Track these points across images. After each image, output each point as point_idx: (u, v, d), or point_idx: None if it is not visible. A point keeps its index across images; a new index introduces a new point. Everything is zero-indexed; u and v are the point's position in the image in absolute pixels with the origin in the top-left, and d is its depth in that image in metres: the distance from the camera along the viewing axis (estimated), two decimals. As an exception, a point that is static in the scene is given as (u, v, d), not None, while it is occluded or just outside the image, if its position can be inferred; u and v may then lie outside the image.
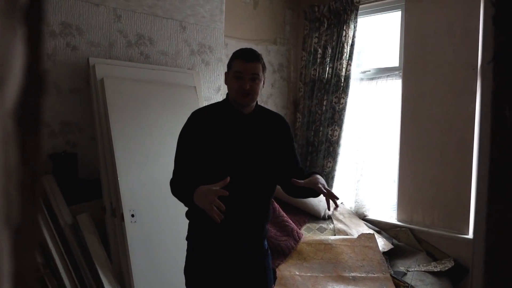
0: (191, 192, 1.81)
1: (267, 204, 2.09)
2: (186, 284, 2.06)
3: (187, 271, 2.06)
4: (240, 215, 1.97)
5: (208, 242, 2.01)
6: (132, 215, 3.08)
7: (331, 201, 1.86)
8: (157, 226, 3.17)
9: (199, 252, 2.03)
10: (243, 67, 1.94)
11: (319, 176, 1.94)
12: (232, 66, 1.98)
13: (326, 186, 1.88)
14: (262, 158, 2.02)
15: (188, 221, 2.11)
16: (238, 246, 2.01)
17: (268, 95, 5.05)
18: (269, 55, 5.03)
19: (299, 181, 1.88)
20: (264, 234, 2.11)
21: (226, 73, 2.05)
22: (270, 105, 5.01)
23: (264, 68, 2.01)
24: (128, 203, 3.09)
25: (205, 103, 4.04)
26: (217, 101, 4.07)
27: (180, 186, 1.94)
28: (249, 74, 1.93)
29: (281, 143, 2.12)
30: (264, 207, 2.08)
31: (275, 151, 2.07)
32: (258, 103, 2.14)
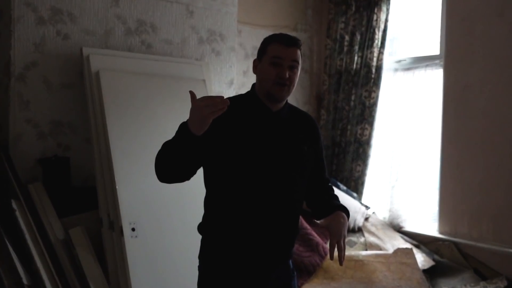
0: (183, 131, 1.69)
1: (298, 217, 2.03)
2: None
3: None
4: (268, 230, 1.89)
5: (227, 262, 1.90)
6: (133, 229, 3.04)
7: (335, 251, 1.84)
8: (161, 241, 3.12)
9: (216, 274, 1.93)
10: (283, 52, 1.85)
11: (341, 220, 1.90)
12: (268, 52, 1.88)
13: (343, 234, 1.86)
14: (294, 164, 1.94)
15: (200, 236, 2.00)
16: (264, 267, 1.92)
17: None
18: (289, 43, 4.93)
19: (320, 221, 1.92)
20: (292, 252, 2.04)
21: (256, 60, 1.96)
22: (290, 101, 4.82)
23: (301, 55, 1.94)
24: (128, 215, 3.05)
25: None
26: (230, 96, 4.05)
27: (169, 142, 1.78)
28: (289, 61, 1.86)
29: (312, 148, 2.04)
30: (295, 220, 2.00)
31: (307, 157, 2.00)
32: None
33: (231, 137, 1.85)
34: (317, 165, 2.09)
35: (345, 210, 1.97)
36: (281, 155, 1.91)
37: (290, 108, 2.04)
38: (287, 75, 1.84)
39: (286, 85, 1.85)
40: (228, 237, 1.85)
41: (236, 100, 1.94)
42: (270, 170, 1.88)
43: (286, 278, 2.02)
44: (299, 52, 1.89)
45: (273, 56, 1.85)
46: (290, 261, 2.06)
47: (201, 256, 1.99)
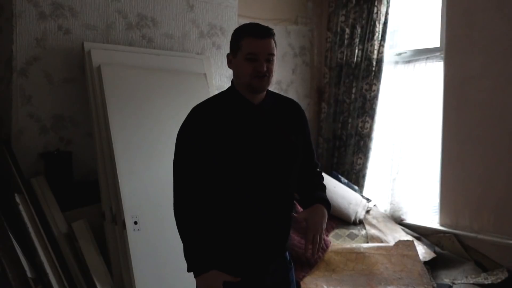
0: (201, 262, 1.82)
1: (292, 208, 2.01)
2: None
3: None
4: (263, 224, 1.89)
5: (225, 257, 1.89)
6: (135, 222, 3.05)
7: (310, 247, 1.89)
8: (164, 234, 3.12)
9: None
10: (258, 47, 1.82)
11: (320, 213, 1.92)
12: (242, 47, 1.84)
13: (320, 228, 1.88)
14: (283, 156, 1.92)
15: None
16: (262, 260, 1.93)
17: (289, 83, 4.97)
18: (289, 36, 4.95)
19: (298, 215, 1.93)
20: (288, 244, 2.03)
21: (229, 55, 1.92)
22: (291, 94, 4.93)
23: (276, 45, 1.89)
24: (130, 208, 3.06)
25: (217, 92, 3.98)
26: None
27: (193, 233, 1.86)
28: (265, 54, 1.82)
29: (300, 136, 2.01)
30: (289, 211, 1.99)
31: (296, 148, 1.97)
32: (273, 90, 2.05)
33: (220, 137, 1.83)
34: (305, 151, 2.05)
35: (327, 204, 1.97)
36: (269, 149, 1.88)
37: (273, 96, 2.01)
38: (265, 68, 1.82)
39: (265, 76, 1.83)
40: (224, 233, 1.86)
41: (218, 99, 1.95)
42: (260, 164, 1.86)
43: (284, 270, 2.02)
44: (273, 42, 1.85)
45: (248, 53, 1.82)
46: (287, 253, 2.05)
47: None
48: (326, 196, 2.03)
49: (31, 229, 2.89)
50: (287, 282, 2.03)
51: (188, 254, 1.87)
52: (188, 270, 1.87)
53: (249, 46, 1.82)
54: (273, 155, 1.88)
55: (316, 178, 2.12)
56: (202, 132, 1.82)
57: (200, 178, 1.85)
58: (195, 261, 1.83)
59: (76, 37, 3.40)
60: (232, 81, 1.97)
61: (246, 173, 1.84)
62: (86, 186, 3.33)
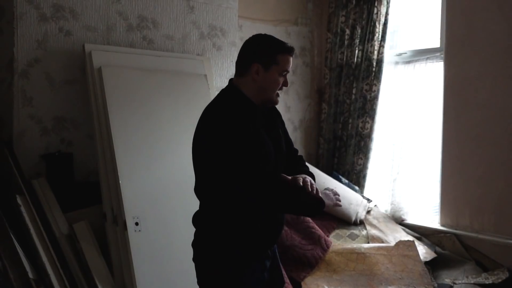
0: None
1: None
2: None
3: (206, 277, 2.05)
4: (272, 214, 2.07)
5: (236, 248, 2.00)
6: (136, 223, 3.05)
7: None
8: (165, 235, 3.14)
9: (224, 260, 1.99)
10: (290, 64, 1.99)
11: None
12: (280, 63, 1.95)
13: (309, 181, 1.94)
14: (282, 149, 2.11)
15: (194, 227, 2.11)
16: (270, 244, 2.12)
17: (289, 84, 4.96)
18: (290, 37, 4.95)
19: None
20: None
21: (258, 67, 1.95)
22: (291, 95, 4.95)
23: None
24: (131, 209, 3.06)
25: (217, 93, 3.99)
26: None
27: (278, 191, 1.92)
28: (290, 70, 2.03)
29: (281, 129, 2.19)
30: None
31: (283, 140, 2.16)
32: None
33: (243, 138, 1.88)
34: (286, 139, 2.21)
35: (311, 175, 2.09)
36: (275, 145, 2.04)
37: None
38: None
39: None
40: (237, 225, 1.96)
41: (232, 107, 1.95)
42: (272, 158, 1.99)
43: (274, 252, 2.21)
44: None
45: (285, 70, 1.97)
46: None
47: (201, 248, 2.04)
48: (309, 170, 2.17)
49: (32, 230, 2.90)
50: (275, 256, 2.20)
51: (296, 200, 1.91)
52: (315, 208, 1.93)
53: (287, 63, 1.97)
54: (277, 150, 2.05)
55: (301, 160, 2.27)
56: (232, 132, 1.87)
57: (247, 163, 1.87)
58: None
59: (77, 38, 3.41)
60: (234, 85, 2.02)
61: (268, 166, 1.96)
62: (87, 187, 3.33)
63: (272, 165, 1.97)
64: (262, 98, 1.99)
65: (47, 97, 3.32)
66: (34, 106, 3.26)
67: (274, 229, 2.08)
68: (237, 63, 2.05)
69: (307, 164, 2.28)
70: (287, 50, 1.96)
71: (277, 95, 2.02)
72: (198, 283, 2.07)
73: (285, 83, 2.00)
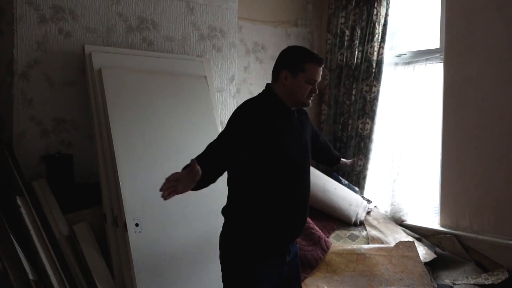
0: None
1: (309, 194, 2.37)
2: (225, 278, 2.25)
3: (229, 268, 2.23)
4: (295, 211, 2.24)
5: (259, 244, 2.19)
6: (137, 224, 3.05)
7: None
8: (165, 236, 3.14)
9: (249, 254, 2.18)
10: (317, 75, 2.18)
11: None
12: (306, 71, 2.15)
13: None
14: (308, 153, 2.33)
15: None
16: (288, 242, 2.28)
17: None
18: (290, 39, 4.95)
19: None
20: None
21: (287, 73, 2.17)
22: (291, 96, 4.93)
23: None
24: (131, 210, 3.06)
25: (217, 95, 4.01)
26: (233, 92, 4.09)
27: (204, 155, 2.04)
28: (319, 79, 2.20)
29: (310, 129, 2.43)
30: (308, 197, 2.35)
31: (309, 145, 2.37)
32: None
33: (267, 134, 2.10)
34: (315, 133, 2.57)
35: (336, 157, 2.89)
36: (300, 146, 2.25)
37: None
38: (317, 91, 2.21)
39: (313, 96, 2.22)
40: (260, 217, 2.16)
41: (260, 102, 2.21)
42: (297, 159, 2.21)
43: (295, 247, 2.40)
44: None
45: (311, 78, 2.15)
46: None
47: (227, 238, 2.25)
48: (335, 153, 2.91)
49: (32, 232, 2.89)
50: (296, 256, 2.40)
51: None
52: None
53: (312, 72, 2.16)
54: (304, 151, 2.28)
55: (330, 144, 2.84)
56: (256, 122, 2.10)
57: (231, 153, 2.07)
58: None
59: (76, 40, 3.41)
60: (270, 88, 2.25)
61: (285, 166, 2.15)
62: (87, 189, 3.33)
63: (291, 161, 2.17)
64: (293, 101, 2.20)
65: (47, 98, 3.32)
66: (34, 108, 3.26)
67: (293, 221, 2.24)
68: (273, 69, 2.27)
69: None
70: (315, 60, 2.16)
71: (308, 98, 2.21)
72: (222, 270, 2.27)
73: (314, 90, 2.18)
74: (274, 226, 2.18)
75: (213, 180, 2.02)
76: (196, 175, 1.83)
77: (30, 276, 2.75)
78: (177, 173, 1.85)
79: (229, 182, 2.26)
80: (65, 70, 3.38)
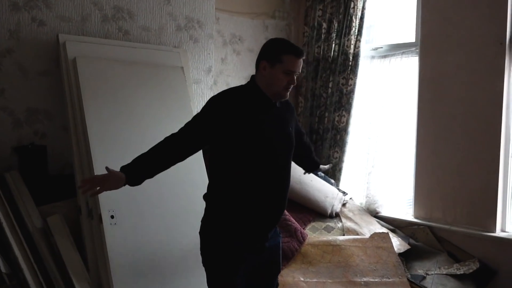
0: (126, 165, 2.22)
1: (289, 182, 2.38)
2: (207, 261, 2.31)
3: (214, 259, 2.28)
4: (271, 200, 2.27)
5: (237, 226, 2.25)
6: (112, 216, 3.02)
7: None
8: (140, 228, 3.10)
9: (224, 236, 2.25)
10: (296, 66, 2.19)
11: None
12: (283, 62, 2.17)
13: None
14: (288, 144, 2.33)
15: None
16: (266, 229, 2.31)
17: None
18: (267, 31, 4.92)
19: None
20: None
21: (265, 64, 2.20)
22: (269, 88, 4.91)
23: None
24: (106, 202, 3.02)
25: (194, 86, 3.97)
26: (210, 83, 4.06)
27: (151, 152, 2.24)
28: (298, 71, 2.22)
29: (293, 125, 2.41)
30: (287, 185, 2.36)
31: (293, 137, 2.37)
32: None
33: (243, 124, 2.15)
34: (298, 131, 2.53)
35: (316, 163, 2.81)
36: (281, 137, 2.27)
37: None
38: (296, 82, 2.21)
39: (290, 88, 2.22)
40: (236, 205, 2.22)
41: (239, 91, 2.27)
42: (275, 149, 2.23)
43: (276, 236, 2.43)
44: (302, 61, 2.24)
45: (288, 69, 2.17)
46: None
47: (206, 222, 2.31)
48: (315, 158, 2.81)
49: (5, 224, 2.84)
50: (278, 246, 2.44)
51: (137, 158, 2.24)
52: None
53: (290, 63, 2.17)
54: (283, 143, 2.29)
55: (311, 147, 2.78)
56: (229, 111, 2.16)
57: (197, 140, 2.21)
58: (129, 164, 2.22)
59: (50, 29, 3.33)
60: (254, 79, 2.27)
61: (263, 157, 2.19)
62: (62, 180, 3.27)
63: (274, 152, 2.22)
64: (271, 92, 2.22)
65: (20, 88, 3.24)
66: (6, 98, 3.19)
67: (271, 210, 2.28)
68: (256, 60, 2.30)
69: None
70: (292, 52, 2.17)
71: (286, 90, 2.21)
72: (201, 255, 2.32)
73: (291, 82, 2.19)
74: (252, 214, 2.23)
75: (166, 167, 2.22)
76: (115, 182, 2.12)
77: (3, 269, 2.70)
78: (96, 176, 2.16)
79: (210, 169, 2.36)
80: (39, 60, 3.30)
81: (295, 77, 2.22)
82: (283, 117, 2.33)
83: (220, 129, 2.16)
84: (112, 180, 2.13)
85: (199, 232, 2.34)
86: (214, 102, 2.22)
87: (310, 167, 2.83)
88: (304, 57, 2.25)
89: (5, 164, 3.17)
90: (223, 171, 2.26)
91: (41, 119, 3.34)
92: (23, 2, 3.22)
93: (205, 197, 2.35)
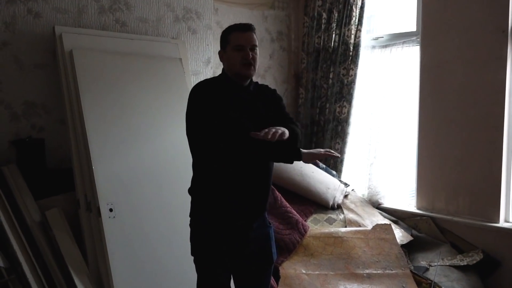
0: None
1: (270, 172, 2.37)
2: (196, 263, 2.34)
3: (196, 248, 2.33)
4: (245, 186, 2.26)
5: (216, 216, 2.27)
6: (110, 210, 3.01)
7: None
8: (139, 221, 3.10)
9: (207, 227, 2.29)
10: (243, 39, 2.21)
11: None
12: (231, 41, 2.23)
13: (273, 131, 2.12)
14: (260, 125, 2.20)
15: (185, 200, 2.39)
16: (246, 218, 2.30)
17: (266, 68, 4.92)
18: (266, 21, 4.88)
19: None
20: (266, 205, 2.41)
21: (221, 51, 2.30)
22: (268, 79, 4.89)
23: (257, 37, 2.29)
24: (105, 195, 3.02)
25: (193, 78, 3.94)
26: (210, 74, 4.04)
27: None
28: (249, 44, 2.21)
29: (270, 110, 2.37)
30: (268, 175, 2.36)
31: (266, 120, 2.28)
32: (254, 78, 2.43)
33: (215, 110, 2.17)
34: (281, 115, 2.39)
35: (294, 134, 2.27)
36: (252, 120, 2.23)
37: (257, 84, 2.42)
38: (251, 56, 2.20)
39: (251, 64, 2.22)
40: (215, 195, 2.24)
41: (216, 80, 2.34)
42: (244, 133, 2.17)
43: (264, 227, 2.40)
44: (254, 35, 2.25)
45: (237, 45, 2.20)
46: (266, 214, 2.43)
47: (192, 214, 2.35)
48: (296, 130, 2.30)
49: (3, 218, 2.83)
50: (267, 237, 2.41)
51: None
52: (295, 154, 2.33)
53: (236, 39, 2.21)
54: (255, 124, 2.19)
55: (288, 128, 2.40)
56: (208, 96, 2.21)
57: (212, 122, 2.17)
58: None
59: (46, 21, 3.31)
60: (223, 70, 2.33)
61: (233, 138, 2.16)
62: (60, 174, 3.26)
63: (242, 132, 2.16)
64: (233, 74, 2.26)
65: (17, 81, 3.22)
66: (3, 91, 3.17)
67: (247, 197, 2.27)
68: None
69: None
70: (236, 28, 2.23)
71: (246, 68, 2.21)
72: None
73: (246, 55, 2.19)
74: (227, 202, 2.24)
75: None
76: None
77: (1, 264, 2.69)
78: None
79: (193, 160, 2.35)
80: (35, 52, 3.28)
81: (253, 52, 2.21)
82: (255, 100, 2.32)
83: (212, 108, 2.19)
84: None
85: (189, 225, 2.38)
86: (198, 89, 2.26)
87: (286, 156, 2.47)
88: (252, 31, 2.24)
89: (3, 158, 3.16)
90: (198, 160, 2.29)
91: (38, 112, 3.32)
92: (18, -6, 3.19)
93: (189, 190, 2.38)
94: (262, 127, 2.19)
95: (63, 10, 3.36)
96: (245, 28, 2.23)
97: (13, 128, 3.21)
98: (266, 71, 4.93)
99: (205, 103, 2.20)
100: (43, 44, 3.29)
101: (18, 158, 3.17)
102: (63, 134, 3.30)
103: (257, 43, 2.25)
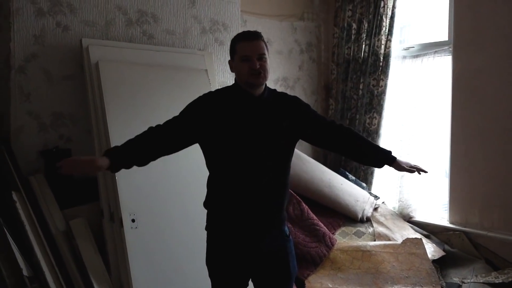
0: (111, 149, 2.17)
1: (283, 186, 2.29)
2: (210, 275, 2.34)
3: (209, 261, 2.33)
4: (255, 199, 2.20)
5: (227, 230, 2.25)
6: (133, 220, 3.01)
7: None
8: (161, 232, 3.09)
9: (219, 241, 2.27)
10: (249, 49, 2.15)
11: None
12: (237, 51, 2.19)
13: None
14: (273, 138, 2.22)
15: (206, 212, 2.36)
16: (258, 232, 2.24)
17: (295, 79, 4.89)
18: (296, 33, 4.87)
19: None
20: (282, 218, 2.33)
21: (230, 62, 2.27)
22: (298, 91, 4.87)
23: (267, 46, 2.22)
24: (128, 206, 3.02)
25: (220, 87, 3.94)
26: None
27: (135, 140, 2.24)
28: (256, 54, 2.15)
29: (293, 122, 2.28)
30: (280, 189, 2.28)
31: (286, 132, 2.26)
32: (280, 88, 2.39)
33: (224, 122, 2.15)
34: (314, 121, 2.36)
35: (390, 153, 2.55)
36: (263, 131, 2.19)
37: (271, 92, 2.33)
38: (258, 66, 2.13)
39: (260, 73, 2.14)
40: (226, 208, 2.22)
41: (225, 90, 2.30)
42: (254, 144, 2.17)
43: (281, 241, 2.32)
44: (262, 43, 2.18)
45: (242, 55, 2.16)
46: (286, 228, 2.36)
47: (207, 227, 2.34)
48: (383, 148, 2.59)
49: (27, 227, 2.85)
50: (284, 250, 2.32)
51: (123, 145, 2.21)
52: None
53: (242, 49, 2.17)
54: (265, 136, 2.19)
55: (348, 131, 2.46)
56: (209, 110, 2.19)
57: (177, 133, 2.21)
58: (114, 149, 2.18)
59: (75, 33, 3.36)
60: (235, 79, 2.29)
61: (243, 151, 2.16)
62: (85, 184, 3.27)
63: (240, 150, 2.16)
64: (243, 83, 2.21)
65: (45, 92, 3.27)
66: (32, 102, 3.22)
67: (250, 213, 2.21)
68: None
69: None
70: (242, 38, 2.19)
71: (254, 77, 2.15)
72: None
73: (252, 66, 2.13)
74: (234, 213, 2.22)
75: (150, 159, 2.27)
76: (94, 167, 2.07)
77: (25, 273, 2.71)
78: (78, 158, 2.18)
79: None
80: (63, 64, 3.33)
81: (261, 61, 2.15)
82: (269, 110, 2.24)
83: (200, 124, 2.18)
84: (92, 165, 2.09)
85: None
86: (198, 99, 2.26)
87: (373, 159, 2.58)
88: (259, 39, 2.17)
89: (32, 168, 3.20)
90: (210, 171, 2.29)
91: (66, 123, 3.36)
92: (48, 8, 3.25)
93: (204, 203, 2.36)
94: (277, 138, 2.22)
95: (91, 23, 3.42)
96: (252, 37, 2.18)
97: (41, 138, 3.26)
98: (295, 82, 4.90)
99: (189, 114, 2.23)
100: (71, 56, 3.34)
101: (46, 168, 3.21)
102: (89, 145, 3.32)
103: (265, 51, 2.18)
